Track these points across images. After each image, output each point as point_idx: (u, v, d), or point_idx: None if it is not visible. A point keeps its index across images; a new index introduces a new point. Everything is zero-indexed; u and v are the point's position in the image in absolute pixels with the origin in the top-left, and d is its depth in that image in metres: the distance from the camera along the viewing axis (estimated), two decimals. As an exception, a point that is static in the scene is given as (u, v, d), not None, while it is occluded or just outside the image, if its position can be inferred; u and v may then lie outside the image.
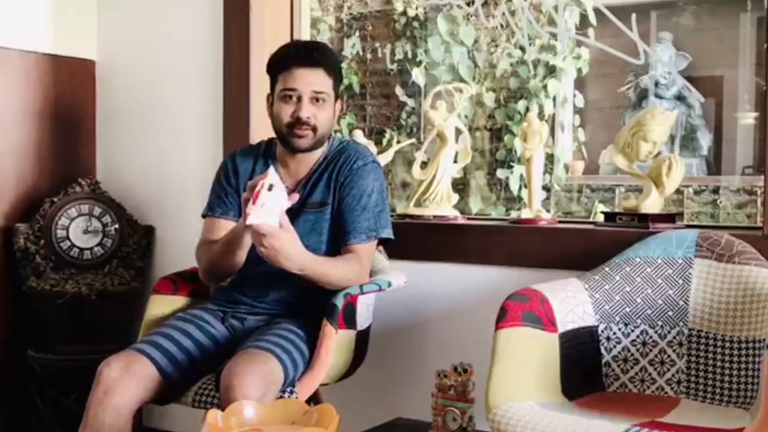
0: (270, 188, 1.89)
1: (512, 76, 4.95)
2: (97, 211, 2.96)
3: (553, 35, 4.19)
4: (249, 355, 1.92)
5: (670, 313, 2.09)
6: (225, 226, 2.24)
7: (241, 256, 2.14)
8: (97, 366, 1.98)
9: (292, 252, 1.99)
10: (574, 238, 2.41)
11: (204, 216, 2.32)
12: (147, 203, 3.09)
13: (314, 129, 2.17)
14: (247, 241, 2.08)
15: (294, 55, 2.19)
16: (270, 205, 1.90)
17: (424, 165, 2.74)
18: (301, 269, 2.02)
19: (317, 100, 2.16)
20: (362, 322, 2.21)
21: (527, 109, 4.74)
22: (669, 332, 2.08)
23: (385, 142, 5.05)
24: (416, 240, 2.57)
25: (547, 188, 5.12)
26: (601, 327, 2.11)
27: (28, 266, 2.88)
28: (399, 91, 5.31)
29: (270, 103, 2.24)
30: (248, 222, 1.89)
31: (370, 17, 5.43)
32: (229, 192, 2.27)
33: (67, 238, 2.90)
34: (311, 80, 2.15)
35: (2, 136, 2.93)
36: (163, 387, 2.02)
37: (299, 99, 2.15)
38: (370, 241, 2.21)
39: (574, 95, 5.38)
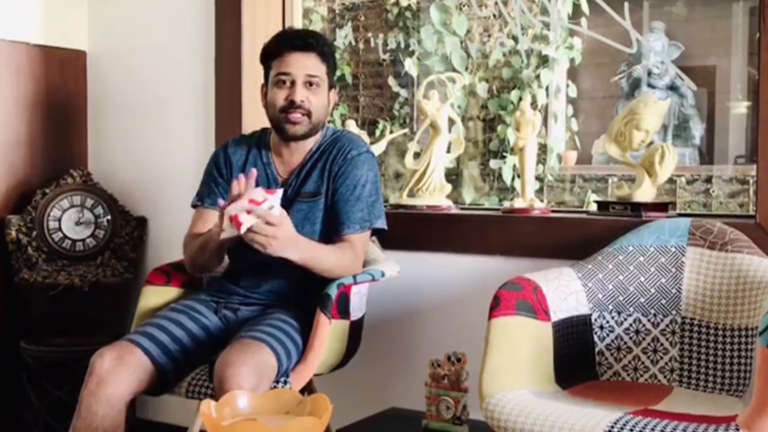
0: (270, 208, 1.91)
1: (505, 66, 4.95)
2: (89, 202, 2.95)
3: (546, 25, 4.18)
4: (242, 346, 1.92)
5: (663, 301, 2.09)
6: (213, 217, 2.23)
7: (218, 258, 2.16)
8: (89, 358, 1.98)
9: (297, 240, 2.00)
10: (567, 227, 2.41)
11: (194, 206, 2.31)
12: (139, 194, 3.08)
13: (308, 114, 2.17)
14: (223, 243, 2.08)
15: (287, 41, 2.20)
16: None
17: (416, 155, 2.74)
18: (302, 255, 2.02)
19: (311, 84, 2.17)
20: (356, 312, 2.21)
21: (520, 99, 4.74)
22: (662, 320, 2.09)
23: (377, 132, 5.05)
24: (409, 230, 2.56)
25: (540, 178, 5.13)
26: (594, 316, 2.11)
27: (20, 258, 2.87)
28: (392, 81, 5.31)
29: (264, 93, 2.24)
30: (243, 229, 1.89)
31: (362, 7, 5.42)
32: (219, 183, 2.27)
33: (60, 229, 2.90)
34: (305, 64, 2.16)
35: (-7, 127, 2.93)
36: (156, 378, 2.02)
37: (293, 83, 2.16)
38: (364, 231, 2.21)
39: (567, 85, 5.38)
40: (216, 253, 2.14)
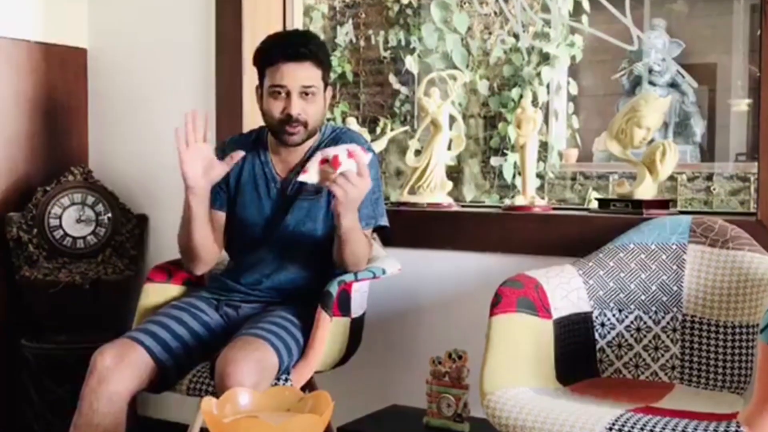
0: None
1: (506, 63, 4.94)
2: (89, 199, 2.95)
3: (547, 22, 4.18)
4: (243, 343, 1.92)
5: (664, 298, 2.09)
6: (211, 215, 2.23)
7: (199, 228, 2.14)
8: (90, 355, 1.97)
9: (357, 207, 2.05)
10: (568, 224, 2.41)
11: None
12: (140, 192, 3.08)
13: (305, 124, 2.15)
14: (194, 205, 2.10)
15: (280, 50, 2.14)
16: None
17: (417, 153, 2.74)
18: (354, 222, 2.06)
19: (306, 94, 2.14)
20: (356, 310, 2.21)
21: (521, 97, 4.74)
22: (663, 318, 2.09)
23: (378, 130, 5.04)
24: (410, 227, 2.56)
25: (540, 176, 5.12)
26: (596, 313, 2.11)
27: (21, 255, 2.87)
28: (392, 78, 5.30)
29: (259, 95, 2.22)
30: (340, 170, 1.96)
31: (363, 5, 5.41)
32: (217, 182, 2.25)
33: (60, 227, 2.89)
34: (298, 75, 2.12)
35: (-6, 124, 2.93)
36: (157, 375, 2.02)
37: (288, 94, 2.13)
38: (369, 228, 2.21)
39: (568, 82, 5.38)
40: (195, 219, 2.12)
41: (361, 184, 1.98)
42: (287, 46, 2.16)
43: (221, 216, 2.26)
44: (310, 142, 2.24)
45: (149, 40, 3.06)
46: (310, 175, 2.00)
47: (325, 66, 2.19)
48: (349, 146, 2.00)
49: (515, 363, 1.88)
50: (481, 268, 2.48)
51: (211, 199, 2.23)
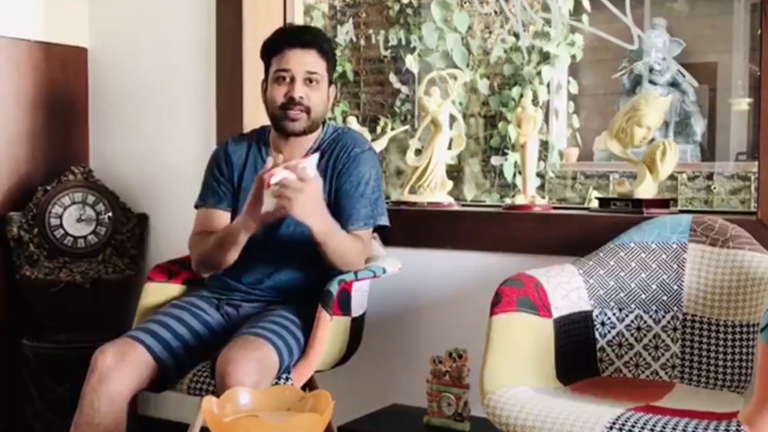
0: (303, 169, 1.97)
1: (506, 62, 4.95)
2: (90, 199, 2.95)
3: (547, 21, 4.18)
4: (244, 342, 1.92)
5: (665, 297, 2.09)
6: (218, 216, 2.23)
7: (234, 254, 2.13)
8: (91, 354, 1.97)
9: (322, 209, 2.02)
10: (568, 223, 2.41)
11: (197, 207, 2.31)
12: (140, 191, 3.08)
13: (308, 111, 2.17)
14: (242, 239, 2.08)
15: (287, 37, 2.20)
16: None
17: (418, 152, 2.74)
18: (323, 227, 2.02)
19: (310, 81, 2.17)
20: (357, 309, 2.21)
21: (521, 96, 4.74)
22: (663, 317, 2.09)
23: (379, 129, 5.05)
24: (411, 227, 2.56)
25: (541, 175, 5.13)
26: (596, 312, 2.11)
27: (22, 255, 2.87)
28: (393, 78, 5.31)
29: (264, 89, 2.24)
30: (273, 180, 1.93)
31: (363, 4, 5.42)
32: (221, 182, 2.27)
33: (61, 226, 2.90)
34: (304, 60, 2.16)
35: (-6, 124, 2.93)
36: (158, 374, 2.02)
37: (292, 80, 2.16)
38: (368, 228, 2.21)
39: (568, 82, 5.38)
40: (232, 250, 2.11)
41: (305, 187, 1.94)
42: (294, 34, 2.22)
43: (228, 215, 2.26)
44: (311, 140, 2.24)
45: (149, 40, 3.06)
46: (266, 204, 1.98)
47: (329, 57, 2.22)
48: (290, 163, 1.99)
49: (515, 362, 1.88)
50: (482, 267, 2.48)
51: (218, 198, 2.24)
